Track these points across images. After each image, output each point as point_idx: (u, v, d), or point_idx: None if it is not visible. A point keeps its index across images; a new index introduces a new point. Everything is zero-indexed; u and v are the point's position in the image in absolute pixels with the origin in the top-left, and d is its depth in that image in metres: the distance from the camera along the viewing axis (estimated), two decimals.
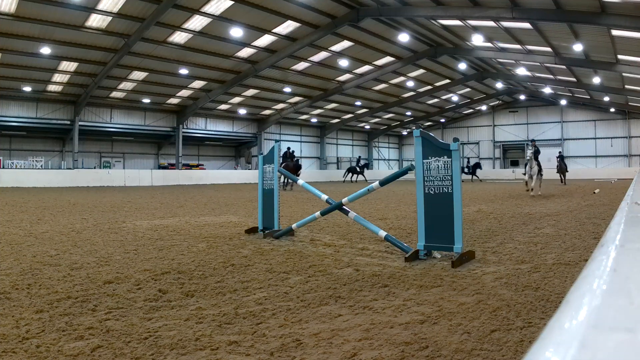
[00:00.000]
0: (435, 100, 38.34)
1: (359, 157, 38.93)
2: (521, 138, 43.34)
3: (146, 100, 29.12)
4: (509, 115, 44.33)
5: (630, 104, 33.56)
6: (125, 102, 29.08)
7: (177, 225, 7.62)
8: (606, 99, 33.84)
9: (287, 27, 20.86)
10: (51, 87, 25.16)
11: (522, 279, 3.79)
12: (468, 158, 40.21)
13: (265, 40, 22.00)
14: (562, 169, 23.23)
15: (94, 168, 29.74)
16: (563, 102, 38.74)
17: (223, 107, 32.90)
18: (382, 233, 5.16)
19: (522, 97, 40.77)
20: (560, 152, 25.41)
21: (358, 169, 32.29)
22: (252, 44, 22.17)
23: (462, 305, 3.06)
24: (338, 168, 44.34)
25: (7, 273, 3.97)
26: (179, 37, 20.65)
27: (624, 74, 22.78)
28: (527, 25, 17.91)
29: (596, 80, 26.32)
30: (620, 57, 20.34)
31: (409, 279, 3.83)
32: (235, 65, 25.04)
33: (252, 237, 6.36)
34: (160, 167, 32.95)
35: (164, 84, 26.40)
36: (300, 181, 6.55)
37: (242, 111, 34.48)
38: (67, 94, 26.25)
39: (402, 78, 30.53)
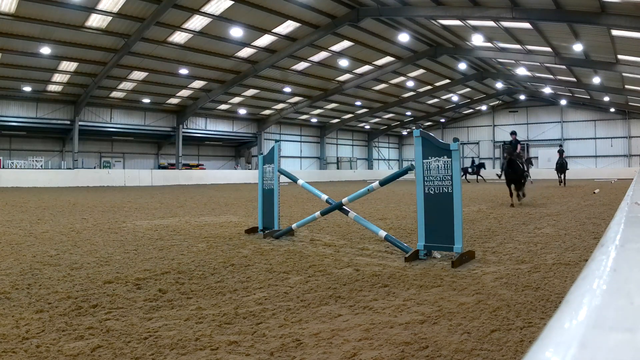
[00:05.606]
0: (435, 100, 38.34)
1: (473, 158, 38.51)
2: (521, 138, 43.26)
3: (146, 100, 29.11)
4: (509, 115, 44.34)
5: (630, 104, 33.55)
6: (125, 102, 29.07)
7: (177, 225, 7.61)
8: (606, 99, 33.83)
9: (287, 27, 20.85)
10: (51, 87, 25.15)
11: (522, 279, 3.79)
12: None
13: (265, 40, 22.00)
14: (562, 166, 21.51)
15: (94, 168, 29.73)
16: (563, 102, 38.73)
17: (223, 107, 32.89)
18: (382, 233, 5.16)
19: (522, 97, 40.78)
20: (560, 146, 23.99)
21: (470, 169, 31.28)
22: (252, 44, 22.17)
23: (462, 305, 3.06)
24: (338, 168, 44.33)
25: (7, 273, 3.97)
26: (179, 37, 20.65)
27: (624, 74, 22.78)
28: (527, 25, 17.91)
29: (596, 80, 26.31)
30: (620, 57, 20.33)
31: (409, 279, 3.83)
32: (235, 65, 25.03)
33: (252, 237, 6.36)
34: (160, 167, 32.94)
35: (164, 84, 26.39)
36: (300, 181, 6.55)
37: (242, 111, 34.47)
38: (67, 94, 26.25)
39: (402, 78, 30.53)
